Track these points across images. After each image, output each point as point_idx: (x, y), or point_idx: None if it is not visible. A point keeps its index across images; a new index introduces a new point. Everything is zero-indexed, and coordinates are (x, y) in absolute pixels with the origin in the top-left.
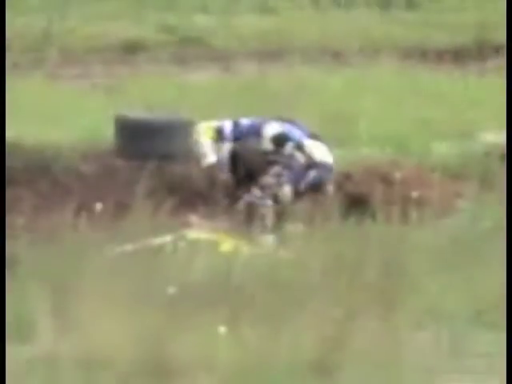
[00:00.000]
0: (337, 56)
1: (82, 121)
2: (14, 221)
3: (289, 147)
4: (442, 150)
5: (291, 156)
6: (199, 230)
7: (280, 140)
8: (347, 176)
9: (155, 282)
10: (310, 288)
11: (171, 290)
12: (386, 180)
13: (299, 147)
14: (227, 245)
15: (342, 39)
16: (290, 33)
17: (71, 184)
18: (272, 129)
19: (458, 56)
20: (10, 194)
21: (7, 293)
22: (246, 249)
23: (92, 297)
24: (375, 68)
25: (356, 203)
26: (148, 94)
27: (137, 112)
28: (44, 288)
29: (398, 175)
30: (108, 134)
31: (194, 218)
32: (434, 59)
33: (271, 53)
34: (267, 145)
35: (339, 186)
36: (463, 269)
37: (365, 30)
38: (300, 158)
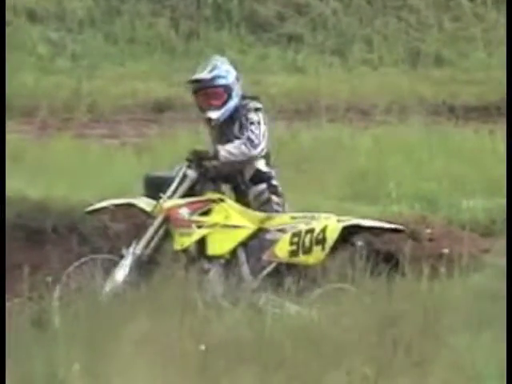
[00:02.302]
0: (365, 114)
1: (111, 180)
2: (42, 280)
3: (264, 190)
4: (471, 206)
5: (269, 201)
6: None
7: (258, 178)
8: (376, 233)
9: (187, 340)
10: (341, 345)
11: (203, 347)
12: (415, 237)
13: (274, 190)
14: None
15: (370, 97)
16: (318, 91)
17: (100, 243)
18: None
19: (485, 112)
20: (38, 253)
21: (36, 353)
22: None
23: (123, 355)
24: (403, 125)
25: (385, 260)
26: (177, 153)
27: (166, 171)
28: (74, 347)
29: (427, 232)
30: (137, 193)
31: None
32: (462, 116)
33: (300, 111)
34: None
35: (368, 243)
36: (492, 326)
37: (393, 88)
38: (276, 201)
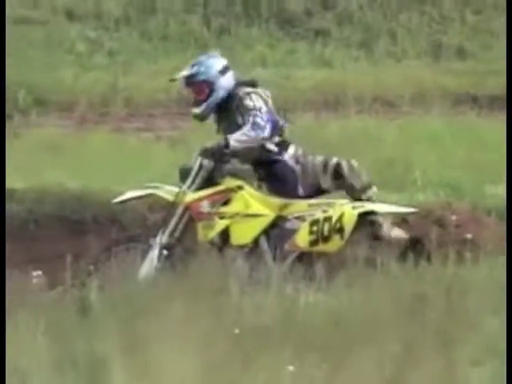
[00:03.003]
0: (391, 105)
1: (148, 172)
2: (84, 268)
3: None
4: (495, 192)
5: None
6: None
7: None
8: (403, 220)
9: (222, 323)
10: (371, 326)
11: (237, 330)
12: (441, 223)
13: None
14: None
15: (394, 89)
16: (345, 84)
17: (138, 232)
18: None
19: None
20: (79, 243)
21: (79, 336)
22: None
23: (161, 339)
24: (428, 116)
25: (412, 246)
26: None
27: None
28: (114, 331)
29: (452, 218)
30: (173, 184)
31: None
32: (485, 106)
33: (328, 103)
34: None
35: (394, 231)
36: None
37: (417, 80)
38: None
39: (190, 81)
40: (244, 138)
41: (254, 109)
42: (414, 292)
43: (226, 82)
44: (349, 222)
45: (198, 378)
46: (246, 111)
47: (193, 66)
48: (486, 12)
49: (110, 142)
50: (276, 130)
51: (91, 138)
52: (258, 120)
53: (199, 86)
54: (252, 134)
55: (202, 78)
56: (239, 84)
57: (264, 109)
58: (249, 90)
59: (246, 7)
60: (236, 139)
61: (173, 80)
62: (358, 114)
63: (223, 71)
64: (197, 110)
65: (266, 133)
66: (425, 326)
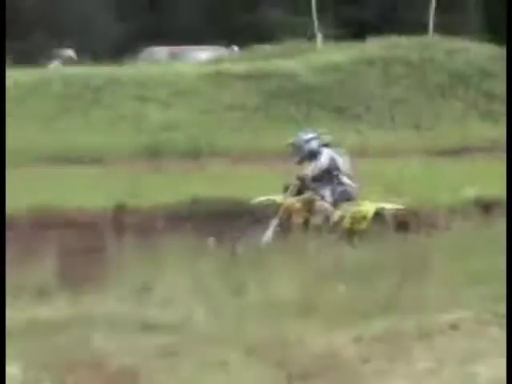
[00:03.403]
0: (387, 154)
1: (269, 188)
2: (234, 236)
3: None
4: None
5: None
6: None
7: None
8: (397, 212)
9: (304, 266)
10: (382, 263)
11: (311, 269)
12: (417, 215)
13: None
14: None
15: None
16: (368, 143)
17: (262, 218)
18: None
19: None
20: (232, 223)
21: (228, 270)
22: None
23: (273, 272)
24: (409, 161)
25: (402, 227)
26: None
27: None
28: (251, 268)
29: (423, 213)
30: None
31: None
32: (439, 156)
33: (355, 151)
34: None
35: (394, 218)
36: (460, 257)
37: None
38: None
39: (292, 145)
40: (312, 169)
41: (317, 161)
42: (404, 249)
43: (310, 146)
44: (370, 213)
45: (296, 289)
46: (319, 156)
47: (293, 137)
48: (432, 105)
49: (251, 171)
50: (333, 164)
51: (238, 170)
52: (318, 164)
53: (294, 148)
54: (317, 164)
55: (295, 144)
56: (321, 145)
57: (326, 153)
58: (320, 150)
59: (317, 106)
60: (310, 170)
61: (287, 145)
62: (373, 159)
63: (308, 140)
64: (295, 161)
65: (323, 161)
66: (409, 264)
